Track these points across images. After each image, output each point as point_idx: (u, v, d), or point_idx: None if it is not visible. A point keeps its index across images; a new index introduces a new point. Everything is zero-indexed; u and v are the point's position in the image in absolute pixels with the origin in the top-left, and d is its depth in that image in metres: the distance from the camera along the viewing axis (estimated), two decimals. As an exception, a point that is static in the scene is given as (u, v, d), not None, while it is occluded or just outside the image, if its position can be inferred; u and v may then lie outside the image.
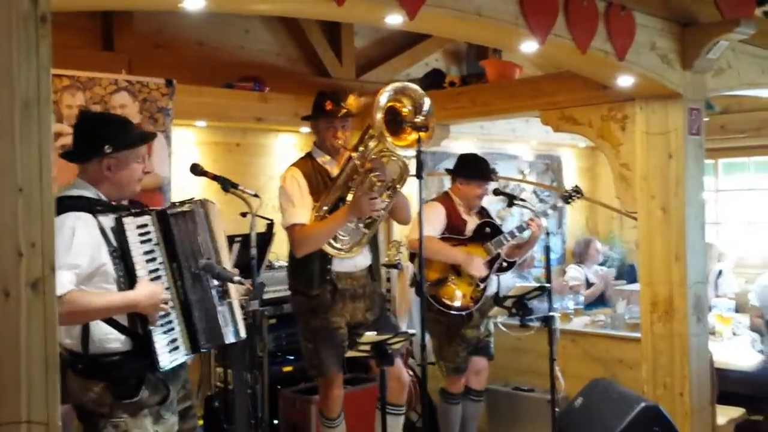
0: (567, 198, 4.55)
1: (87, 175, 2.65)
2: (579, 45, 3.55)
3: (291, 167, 3.79)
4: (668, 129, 4.29)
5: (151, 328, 2.57)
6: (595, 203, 7.00)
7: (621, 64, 3.85)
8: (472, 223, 4.50)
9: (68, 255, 2.43)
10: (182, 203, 2.77)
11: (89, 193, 2.61)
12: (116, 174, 2.63)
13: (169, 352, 2.62)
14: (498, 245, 4.39)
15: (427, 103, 3.48)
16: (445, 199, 4.54)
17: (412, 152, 3.41)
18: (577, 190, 4.53)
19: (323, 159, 3.80)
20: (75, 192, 2.61)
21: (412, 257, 4.53)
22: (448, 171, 4.67)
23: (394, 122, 3.51)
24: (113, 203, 2.65)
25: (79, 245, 2.47)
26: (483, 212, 4.60)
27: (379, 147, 3.53)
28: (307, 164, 3.79)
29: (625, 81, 4.11)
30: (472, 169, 4.49)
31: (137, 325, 2.57)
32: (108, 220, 2.56)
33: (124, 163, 2.64)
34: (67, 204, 2.54)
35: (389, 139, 3.41)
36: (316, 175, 3.74)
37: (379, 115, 3.37)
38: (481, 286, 4.37)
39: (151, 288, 2.56)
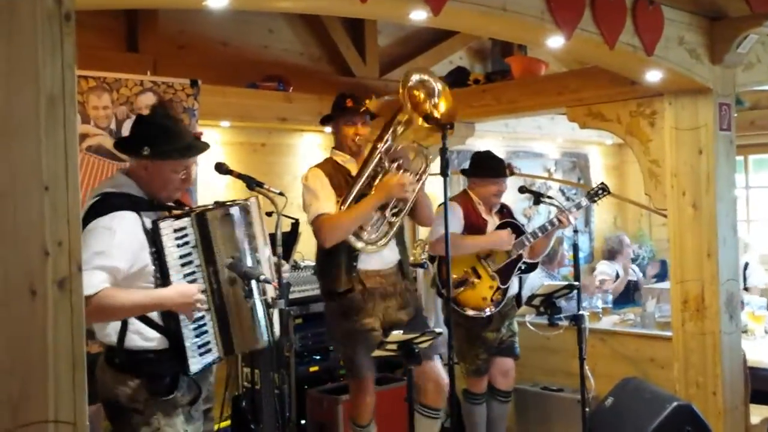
0: (593, 196, 4.46)
1: (130, 169, 2.69)
2: (607, 40, 3.49)
3: (312, 168, 3.80)
4: (698, 124, 4.21)
5: (184, 331, 2.56)
6: (623, 200, 6.91)
7: (649, 59, 3.79)
8: (492, 223, 4.43)
9: (104, 256, 2.43)
10: (222, 204, 2.74)
11: (133, 190, 2.63)
12: (150, 177, 2.64)
13: (200, 355, 2.61)
14: (520, 246, 4.34)
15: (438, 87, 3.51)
16: (463, 198, 4.48)
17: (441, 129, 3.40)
18: (603, 188, 4.45)
19: (343, 158, 3.79)
20: (121, 188, 2.62)
21: (431, 259, 4.47)
22: (462, 172, 4.62)
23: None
24: (157, 203, 2.65)
25: (118, 247, 2.47)
26: (505, 212, 4.53)
27: (406, 133, 3.53)
28: (327, 164, 3.79)
29: (653, 76, 4.05)
30: (484, 167, 4.44)
31: (170, 324, 2.57)
32: (149, 221, 2.57)
33: (159, 170, 2.63)
34: (113, 202, 2.55)
35: (419, 121, 3.43)
36: (338, 175, 3.73)
37: (408, 106, 3.44)
38: (502, 288, 4.32)
39: (184, 286, 2.56)
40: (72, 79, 1.83)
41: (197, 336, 2.61)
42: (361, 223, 3.58)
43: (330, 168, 3.74)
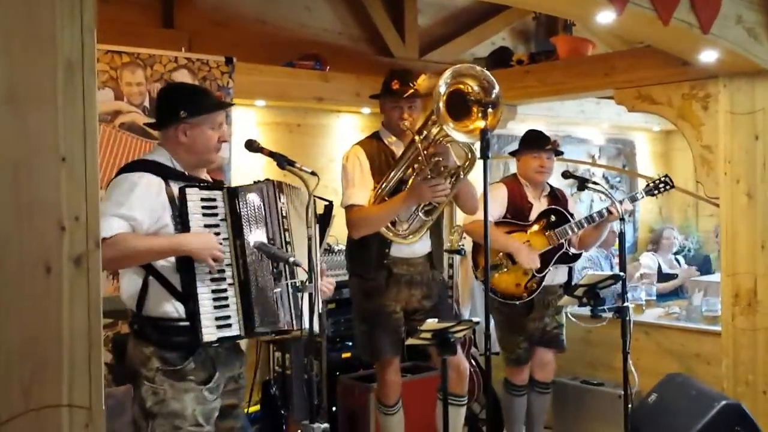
0: (652, 189, 4.16)
1: (165, 142, 2.68)
2: (661, 16, 3.29)
3: (355, 146, 3.70)
4: (755, 108, 4.01)
5: (200, 297, 2.50)
6: (678, 190, 6.64)
7: (705, 38, 3.59)
8: (539, 208, 4.27)
9: (122, 206, 2.45)
10: (257, 182, 2.74)
11: (163, 159, 2.63)
12: (191, 140, 2.64)
13: (218, 328, 2.54)
14: (562, 235, 4.16)
15: (493, 81, 3.28)
16: (511, 180, 4.34)
17: (476, 139, 3.23)
18: (666, 182, 4.13)
19: (389, 139, 3.68)
20: (149, 157, 2.66)
21: (474, 243, 4.34)
22: (511, 153, 4.48)
23: (461, 105, 3.33)
24: (187, 174, 2.65)
25: (138, 200, 2.48)
26: (557, 198, 4.34)
27: (442, 133, 3.36)
28: (372, 144, 3.68)
29: (708, 56, 3.84)
30: (523, 141, 4.31)
31: (190, 289, 2.51)
32: (177, 188, 2.57)
33: (198, 129, 2.65)
34: (136, 165, 2.60)
35: (451, 125, 3.24)
36: (380, 155, 3.63)
37: (441, 104, 3.20)
38: (537, 276, 4.15)
39: (206, 235, 2.54)
40: (92, 43, 1.73)
41: (216, 307, 2.55)
42: (389, 221, 3.52)
43: (374, 147, 3.65)
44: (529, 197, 4.27)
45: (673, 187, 4.17)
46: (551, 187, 4.36)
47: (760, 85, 3.99)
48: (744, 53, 3.81)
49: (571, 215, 4.26)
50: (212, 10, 4.73)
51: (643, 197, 4.24)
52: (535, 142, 4.26)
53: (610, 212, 4.04)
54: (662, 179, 4.17)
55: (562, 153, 4.48)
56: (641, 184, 6.46)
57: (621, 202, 3.96)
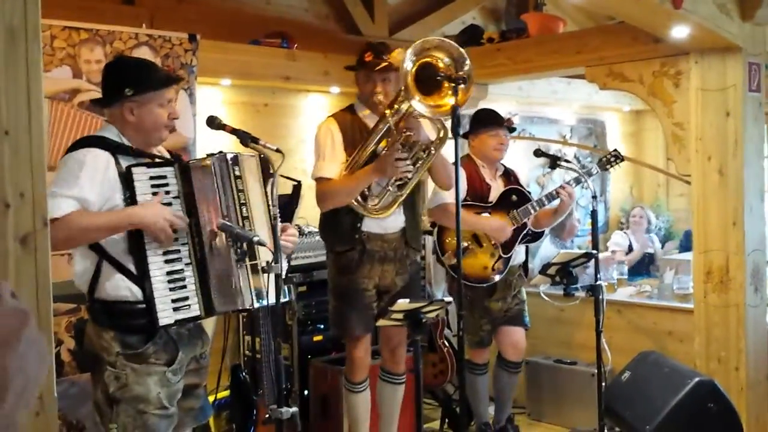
0: (605, 164, 4.18)
1: (113, 121, 2.57)
2: (633, -11, 3.25)
3: (328, 118, 3.66)
4: (726, 85, 3.99)
5: (154, 279, 2.42)
6: (642, 165, 6.65)
7: (677, 13, 3.55)
8: (496, 188, 4.20)
9: (72, 186, 2.35)
10: (210, 155, 2.63)
11: (111, 134, 2.53)
12: (139, 118, 2.53)
13: (174, 310, 2.46)
14: (525, 214, 4.10)
15: (463, 53, 3.21)
16: (466, 162, 4.19)
17: (446, 116, 3.17)
18: (616, 155, 4.16)
19: (364, 113, 3.62)
20: (97, 133, 2.57)
21: (432, 226, 4.26)
22: (463, 135, 4.39)
23: (432, 79, 3.26)
24: (138, 150, 2.54)
25: (87, 178, 2.38)
26: (510, 177, 4.28)
27: (411, 108, 3.29)
28: (345, 117, 3.62)
29: (680, 32, 3.81)
30: (478, 120, 4.22)
31: (144, 270, 2.42)
32: (125, 165, 2.47)
33: (146, 107, 2.53)
34: (84, 141, 2.50)
35: (419, 99, 3.18)
36: (354, 128, 3.57)
37: (408, 80, 3.13)
38: (504, 257, 4.11)
39: (159, 207, 2.45)
40: (36, 11, 1.62)
41: (172, 289, 2.47)
42: (356, 194, 3.46)
43: (347, 120, 3.60)
44: (486, 178, 4.19)
45: (622, 159, 4.20)
46: (504, 166, 4.30)
47: (731, 62, 3.96)
48: (715, 29, 3.78)
49: (529, 192, 4.22)
50: (175, -15, 4.59)
51: (597, 172, 4.25)
52: (491, 120, 4.18)
53: (558, 193, 4.02)
54: (612, 153, 4.20)
55: (514, 129, 4.41)
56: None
57: (578, 183, 3.97)
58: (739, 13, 3.91)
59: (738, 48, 3.93)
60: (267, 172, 2.65)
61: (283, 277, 2.51)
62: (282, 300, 2.52)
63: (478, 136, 4.18)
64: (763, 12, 3.91)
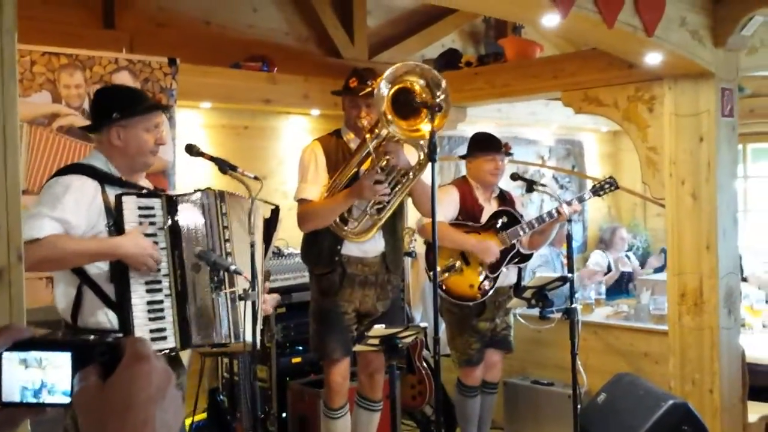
0: (598, 190, 4.17)
1: (101, 146, 2.61)
2: (606, 19, 3.31)
3: (314, 141, 3.72)
4: (699, 110, 4.05)
5: (134, 308, 2.43)
6: (624, 191, 6.72)
7: (650, 41, 3.61)
8: (489, 209, 4.26)
9: (55, 208, 2.37)
10: (196, 191, 2.67)
11: (99, 163, 2.56)
12: (125, 142, 2.57)
13: (152, 340, 2.46)
14: (513, 236, 4.15)
15: (438, 77, 3.26)
16: (461, 183, 4.31)
17: (424, 140, 3.21)
18: (611, 182, 4.15)
19: (348, 136, 3.67)
20: (85, 161, 2.60)
21: (428, 244, 4.31)
22: (461, 157, 4.45)
23: (409, 104, 3.30)
24: (124, 180, 2.57)
25: (72, 203, 2.40)
26: (505, 200, 4.34)
27: (391, 133, 3.33)
28: (331, 140, 3.68)
29: (653, 59, 3.87)
30: (476, 144, 4.27)
31: (124, 297, 2.43)
32: (113, 195, 2.50)
33: (132, 131, 2.57)
34: (71, 168, 2.54)
35: (396, 127, 3.23)
36: (338, 151, 3.62)
37: (383, 107, 3.18)
38: (491, 277, 4.15)
39: (141, 239, 2.46)
40: (12, 47, 1.64)
41: (152, 319, 2.49)
42: (335, 216, 3.50)
43: (332, 144, 3.65)
44: (480, 200, 4.25)
45: (617, 188, 4.20)
46: (500, 189, 4.36)
47: (704, 87, 4.03)
48: (688, 55, 3.85)
49: (521, 216, 4.26)
50: (155, 10, 4.62)
51: (590, 197, 4.26)
52: (488, 144, 4.24)
53: (558, 213, 4.05)
54: (607, 180, 4.20)
55: (512, 154, 4.47)
56: (590, 184, 6.53)
57: (569, 203, 3.98)
58: (712, 39, 3.98)
59: (711, 74, 4.00)
60: (269, 230, 2.69)
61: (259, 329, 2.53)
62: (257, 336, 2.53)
63: (475, 160, 4.23)
64: (735, 39, 3.98)
